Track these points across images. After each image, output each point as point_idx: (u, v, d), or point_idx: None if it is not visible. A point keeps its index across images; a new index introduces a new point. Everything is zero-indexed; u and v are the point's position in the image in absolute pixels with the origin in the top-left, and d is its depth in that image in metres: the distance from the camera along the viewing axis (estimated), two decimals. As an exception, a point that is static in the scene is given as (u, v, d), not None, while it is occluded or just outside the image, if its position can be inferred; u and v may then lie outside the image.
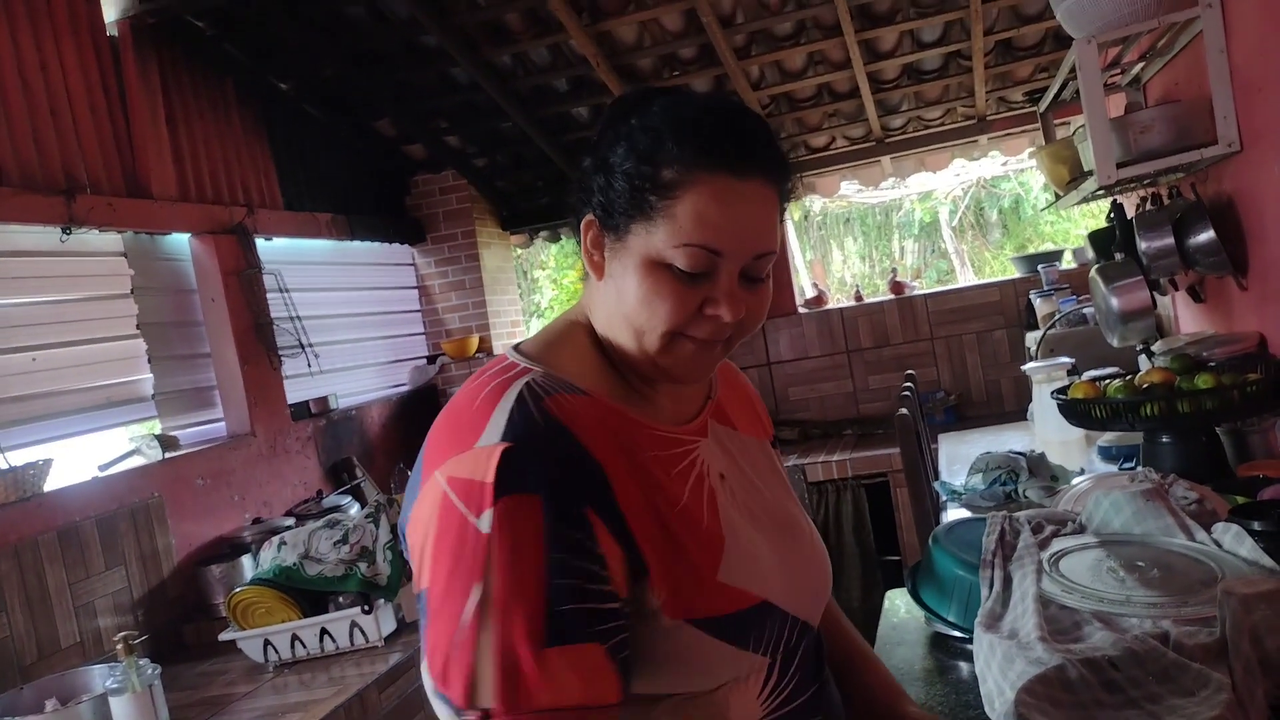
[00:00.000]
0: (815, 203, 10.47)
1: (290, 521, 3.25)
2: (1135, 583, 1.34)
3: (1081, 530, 1.59)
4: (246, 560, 3.01)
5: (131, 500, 2.85)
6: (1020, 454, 2.36)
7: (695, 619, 0.84)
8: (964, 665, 1.42)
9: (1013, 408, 4.50)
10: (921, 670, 1.47)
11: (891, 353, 4.82)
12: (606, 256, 0.90)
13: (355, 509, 3.43)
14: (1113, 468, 2.24)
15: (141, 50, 3.17)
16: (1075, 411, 2.12)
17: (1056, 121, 3.94)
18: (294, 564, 2.60)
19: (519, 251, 6.46)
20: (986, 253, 11.83)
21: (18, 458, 2.59)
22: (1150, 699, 1.06)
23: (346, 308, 4.36)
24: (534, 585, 0.75)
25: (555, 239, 5.43)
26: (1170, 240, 2.53)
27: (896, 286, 5.02)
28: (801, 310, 4.99)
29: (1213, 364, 2.09)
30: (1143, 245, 2.62)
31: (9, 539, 2.44)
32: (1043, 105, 3.35)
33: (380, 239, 4.62)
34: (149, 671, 2.05)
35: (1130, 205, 3.15)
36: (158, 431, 3.16)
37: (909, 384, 3.43)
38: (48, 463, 2.61)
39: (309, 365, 3.81)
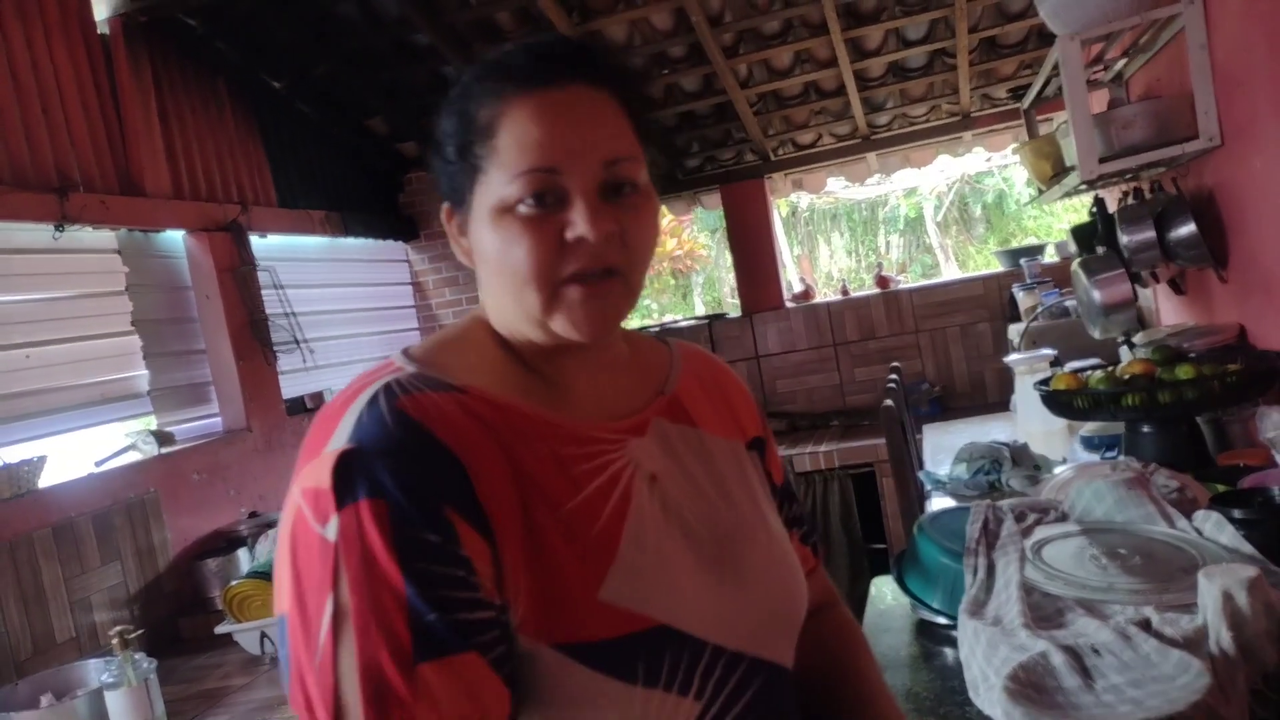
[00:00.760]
0: (802, 199, 10.52)
1: (285, 516, 3.25)
2: (1117, 570, 1.34)
3: (1064, 518, 1.60)
4: (243, 554, 3.02)
5: (127, 495, 2.86)
6: (1003, 444, 2.36)
7: (560, 643, 0.72)
8: (949, 651, 1.44)
9: (996, 399, 4.53)
10: (907, 656, 1.49)
11: (877, 345, 4.86)
12: (470, 237, 0.82)
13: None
14: (1095, 457, 2.23)
15: (133, 48, 3.17)
16: (1058, 402, 2.13)
17: (1040, 118, 3.96)
18: (290, 558, 2.61)
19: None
20: (970, 247, 11.91)
21: (12, 454, 2.59)
22: (1132, 684, 1.08)
23: (341, 304, 4.38)
24: (391, 596, 0.66)
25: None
26: (1151, 234, 2.55)
27: (882, 281, 5.06)
28: (789, 304, 5.02)
29: (1193, 355, 2.11)
30: (1124, 239, 2.64)
31: (4, 535, 2.45)
32: (1026, 102, 3.37)
33: (374, 236, 4.64)
34: (144, 665, 2.03)
35: (1112, 200, 3.17)
36: (154, 427, 3.17)
37: (894, 376, 3.45)
38: (42, 459, 2.62)
39: (304, 361, 3.83)
